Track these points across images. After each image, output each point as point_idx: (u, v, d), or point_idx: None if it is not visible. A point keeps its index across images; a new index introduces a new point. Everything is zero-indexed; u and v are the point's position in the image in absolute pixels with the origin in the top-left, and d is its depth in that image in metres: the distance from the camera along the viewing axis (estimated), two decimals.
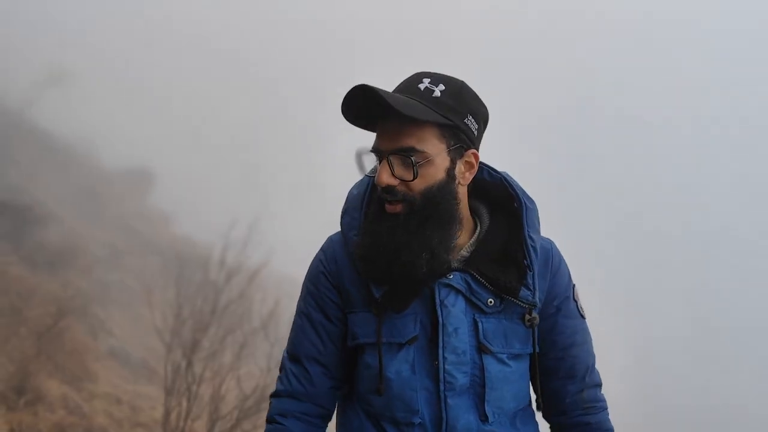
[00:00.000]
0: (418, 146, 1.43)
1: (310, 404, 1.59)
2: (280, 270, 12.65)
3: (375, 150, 1.48)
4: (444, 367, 1.47)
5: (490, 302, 1.50)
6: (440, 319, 1.47)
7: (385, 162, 1.45)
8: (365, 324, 1.53)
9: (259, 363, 6.75)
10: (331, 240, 1.65)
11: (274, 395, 1.63)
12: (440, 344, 1.47)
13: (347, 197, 1.62)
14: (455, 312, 1.48)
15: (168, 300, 7.08)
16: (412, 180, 1.44)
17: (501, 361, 1.50)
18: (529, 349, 1.54)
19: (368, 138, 1.53)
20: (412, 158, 1.42)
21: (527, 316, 1.52)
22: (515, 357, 1.53)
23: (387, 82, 1.50)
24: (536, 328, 1.53)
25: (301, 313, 1.64)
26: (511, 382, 1.52)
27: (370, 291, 1.50)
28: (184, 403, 6.48)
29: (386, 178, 1.44)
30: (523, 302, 1.50)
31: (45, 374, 6.79)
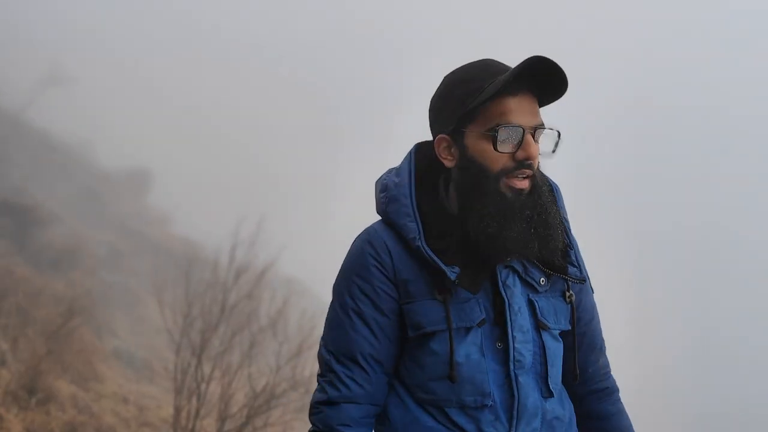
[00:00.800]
0: (545, 124, 1.50)
1: (371, 405, 1.54)
2: (288, 269, 12.68)
3: (519, 125, 1.46)
4: (514, 346, 1.49)
5: (542, 281, 1.55)
6: (506, 299, 1.50)
7: (530, 136, 1.46)
8: (430, 312, 1.49)
9: (268, 361, 6.77)
10: (375, 231, 1.58)
11: (326, 403, 1.52)
12: (509, 324, 1.49)
13: (385, 186, 1.61)
14: (516, 292, 1.51)
15: (176, 300, 7.10)
16: (552, 152, 1.52)
17: (555, 338, 1.56)
18: (569, 326, 1.60)
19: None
20: (558, 133, 1.50)
21: (567, 293, 1.59)
22: (562, 333, 1.60)
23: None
24: (573, 304, 1.60)
25: (350, 310, 1.54)
26: (560, 358, 1.58)
27: (434, 277, 1.48)
28: (194, 402, 6.51)
29: (536, 152, 1.47)
30: (574, 279, 1.57)
31: (54, 374, 6.81)
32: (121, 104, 24.68)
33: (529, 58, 1.42)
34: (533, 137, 1.47)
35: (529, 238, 1.46)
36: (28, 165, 16.03)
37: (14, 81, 19.63)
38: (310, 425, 1.55)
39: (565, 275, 1.56)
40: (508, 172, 1.47)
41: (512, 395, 1.48)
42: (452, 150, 1.55)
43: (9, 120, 17.62)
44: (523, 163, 1.46)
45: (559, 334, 1.59)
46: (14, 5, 24.43)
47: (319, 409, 1.53)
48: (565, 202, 1.65)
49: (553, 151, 1.52)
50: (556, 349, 1.56)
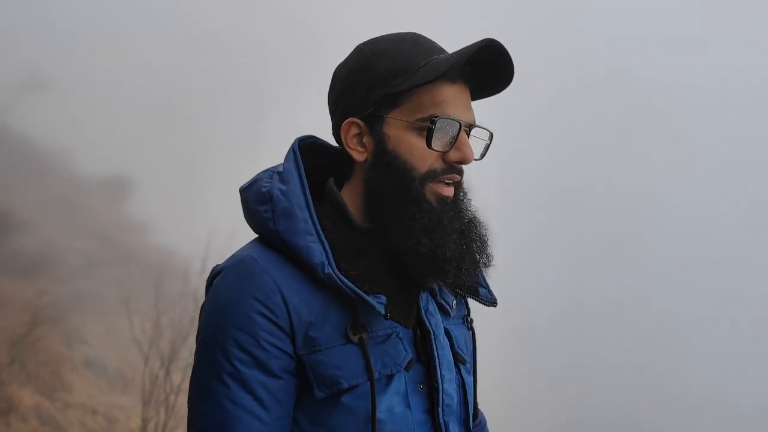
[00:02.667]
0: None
1: None
2: None
3: (457, 120, 1.19)
4: (442, 388, 1.21)
5: (454, 303, 1.29)
6: (431, 329, 1.21)
7: (465, 134, 1.20)
8: (346, 360, 1.14)
9: None
10: (254, 260, 1.16)
11: None
12: (437, 361, 1.21)
13: (267, 196, 1.20)
14: (437, 320, 1.24)
15: (146, 310, 7.01)
16: (481, 158, 1.27)
17: (468, 372, 1.30)
18: (471, 357, 1.35)
19: None
20: (490, 134, 1.27)
21: (468, 318, 1.35)
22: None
23: None
24: (473, 331, 1.35)
25: (226, 375, 1.11)
26: (474, 392, 1.34)
27: (345, 313, 1.16)
28: (162, 414, 6.41)
29: (471, 154, 1.21)
30: (485, 301, 1.31)
31: (17, 384, 6.67)
32: (100, 110, 24.49)
33: (482, 41, 1.17)
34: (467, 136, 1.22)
35: (462, 256, 1.18)
36: (3, 170, 15.81)
37: None
38: None
39: (477, 297, 1.30)
40: (434, 176, 1.18)
41: None
42: (364, 139, 1.21)
43: None
44: (454, 166, 1.19)
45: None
46: None
47: None
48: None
49: (482, 156, 1.27)
50: (470, 386, 1.31)
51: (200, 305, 1.24)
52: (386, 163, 1.18)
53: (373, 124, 1.20)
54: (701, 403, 24.18)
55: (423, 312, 1.21)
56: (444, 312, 1.26)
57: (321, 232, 1.15)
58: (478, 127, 1.23)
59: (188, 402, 1.16)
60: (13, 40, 22.96)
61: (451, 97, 1.18)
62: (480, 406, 1.42)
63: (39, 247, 12.32)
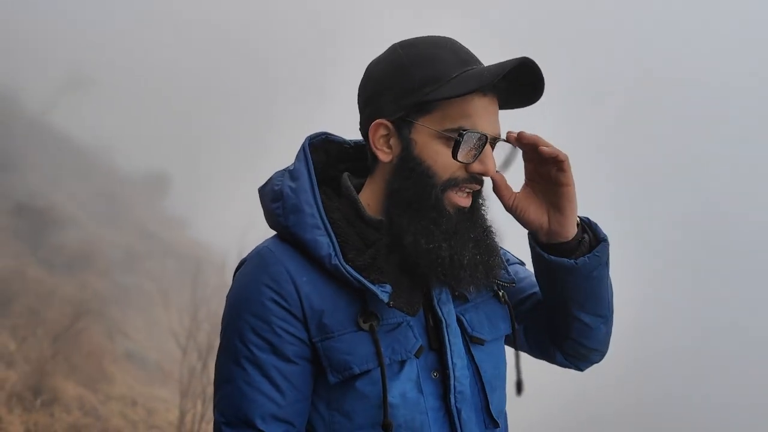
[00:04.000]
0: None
1: None
2: None
3: (484, 134, 1.22)
4: (454, 375, 1.24)
5: (472, 289, 1.30)
6: (443, 318, 1.25)
7: (490, 147, 1.23)
8: (356, 347, 1.19)
9: None
10: (269, 252, 1.24)
11: None
12: (448, 349, 1.24)
13: (279, 194, 1.26)
14: (449, 309, 1.28)
15: (184, 303, 7.11)
16: (503, 169, 1.29)
17: (491, 354, 1.32)
18: (509, 329, 1.36)
19: None
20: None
21: (500, 294, 1.36)
22: (501, 340, 1.38)
23: None
24: (509, 304, 1.37)
25: (243, 359, 1.19)
26: (503, 377, 1.35)
27: (355, 302, 1.20)
28: (199, 406, 6.49)
29: (494, 167, 1.25)
30: (503, 282, 1.33)
31: (61, 375, 6.82)
32: (139, 108, 24.95)
33: (517, 59, 1.20)
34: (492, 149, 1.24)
35: (476, 265, 1.22)
36: (46, 168, 16.22)
37: (35, 83, 19.91)
38: None
39: (497, 280, 1.32)
40: (455, 184, 1.22)
41: None
42: (391, 141, 1.25)
43: (29, 122, 17.85)
44: (476, 177, 1.23)
45: (503, 340, 1.38)
46: (34, 7, 24.80)
47: None
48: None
49: (505, 169, 1.29)
50: (495, 368, 1.32)
51: None
52: (410, 168, 1.22)
53: (401, 128, 1.23)
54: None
55: (435, 301, 1.25)
56: (458, 299, 1.29)
57: (328, 225, 1.21)
58: (503, 140, 1.25)
59: (213, 385, 1.26)
60: (54, 39, 23.53)
61: (480, 109, 1.21)
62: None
63: (81, 241, 12.60)
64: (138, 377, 9.83)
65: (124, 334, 10.85)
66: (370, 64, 1.30)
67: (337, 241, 1.20)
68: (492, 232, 1.28)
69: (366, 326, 1.19)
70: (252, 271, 1.23)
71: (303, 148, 1.30)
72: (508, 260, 1.42)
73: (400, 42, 1.28)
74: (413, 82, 1.21)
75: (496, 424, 1.30)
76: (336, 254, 1.18)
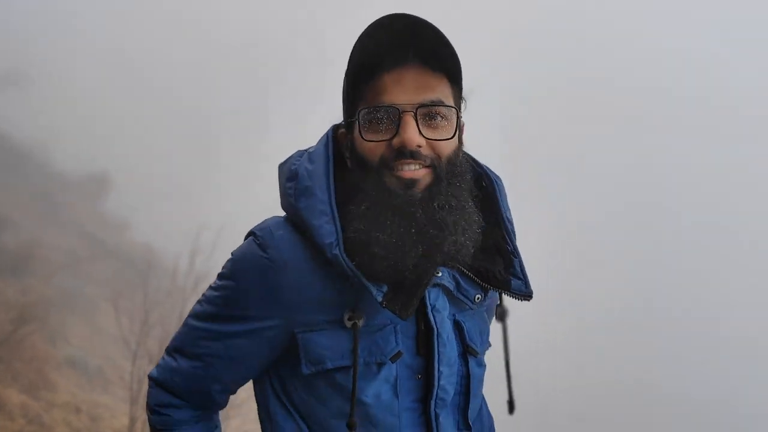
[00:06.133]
0: (446, 101, 1.20)
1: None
2: None
3: (391, 105, 1.16)
4: (439, 383, 1.24)
5: (478, 298, 1.28)
6: (435, 327, 1.23)
7: (411, 118, 1.15)
8: (334, 343, 1.20)
9: None
10: (270, 233, 1.24)
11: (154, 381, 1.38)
12: (435, 357, 1.23)
13: (294, 173, 1.25)
14: (445, 316, 1.25)
15: (134, 307, 6.97)
16: (449, 138, 1.19)
17: (480, 364, 1.33)
18: (489, 343, 1.37)
19: None
20: (455, 110, 1.21)
21: (498, 309, 1.34)
22: (485, 351, 1.37)
23: None
24: (505, 322, 1.35)
25: (209, 320, 1.29)
26: (482, 385, 1.36)
27: (346, 296, 1.20)
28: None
29: (417, 137, 1.15)
30: (518, 294, 1.28)
31: (4, 383, 6.61)
32: (78, 105, 24.17)
33: (372, 24, 1.17)
34: (417, 118, 1.16)
35: (408, 241, 1.14)
36: None
37: None
38: None
39: (508, 291, 1.28)
40: (387, 164, 1.17)
41: None
42: (348, 145, 1.25)
43: None
44: (403, 151, 1.16)
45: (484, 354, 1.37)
46: None
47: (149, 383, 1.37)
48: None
49: (452, 136, 1.20)
50: (480, 377, 1.33)
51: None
52: (356, 165, 1.22)
53: (349, 128, 1.24)
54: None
55: (430, 308, 1.23)
56: (457, 305, 1.28)
57: (336, 214, 1.18)
58: (427, 105, 1.17)
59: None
60: None
61: (389, 84, 1.17)
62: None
63: (20, 244, 12.16)
64: (81, 384, 9.57)
65: (67, 340, 10.54)
66: None
67: (343, 233, 1.17)
68: (451, 208, 1.19)
69: (349, 324, 1.18)
70: (248, 248, 1.25)
71: (327, 134, 1.28)
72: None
73: None
74: (347, 77, 1.23)
75: (468, 426, 1.31)
76: (339, 244, 1.15)
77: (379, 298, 1.15)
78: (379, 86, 1.17)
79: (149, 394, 1.35)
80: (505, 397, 1.37)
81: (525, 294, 1.29)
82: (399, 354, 1.22)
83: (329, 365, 1.20)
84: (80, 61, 26.66)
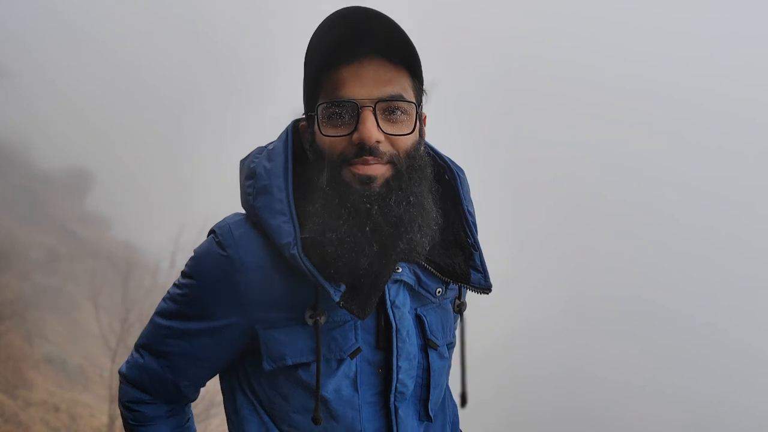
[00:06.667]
0: (406, 95, 1.17)
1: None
2: None
3: (350, 100, 1.14)
4: (398, 377, 1.25)
5: (439, 292, 1.29)
6: (394, 323, 1.24)
7: (370, 113, 1.13)
8: (296, 340, 1.21)
9: None
10: (230, 232, 1.23)
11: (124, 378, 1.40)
12: (394, 353, 1.24)
13: (252, 172, 1.24)
14: (405, 312, 1.26)
15: (113, 305, 6.92)
16: (409, 134, 1.17)
17: (441, 356, 1.32)
18: (454, 338, 1.38)
19: None
20: (414, 105, 1.19)
21: (458, 301, 1.35)
22: (449, 346, 1.37)
23: None
24: (463, 315, 1.36)
25: (170, 317, 1.30)
26: (445, 377, 1.37)
27: (306, 295, 1.20)
28: None
29: (376, 132, 1.13)
30: (478, 288, 1.29)
31: None
32: (59, 102, 23.92)
33: (330, 16, 1.14)
34: (376, 113, 1.14)
35: (361, 240, 1.13)
36: None
37: None
38: None
39: (468, 284, 1.29)
40: (347, 159, 1.15)
41: (389, 429, 1.28)
42: (309, 138, 1.23)
43: None
44: (362, 147, 1.13)
45: (450, 347, 1.37)
46: None
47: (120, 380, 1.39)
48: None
49: (412, 131, 1.17)
50: (441, 370, 1.33)
51: None
52: (316, 159, 1.19)
53: (310, 123, 1.21)
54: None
55: (389, 305, 1.23)
56: (419, 299, 1.28)
57: (294, 213, 1.17)
58: (386, 100, 1.15)
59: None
60: None
61: (347, 77, 1.15)
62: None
63: None
64: (60, 382, 9.47)
65: (44, 338, 10.42)
66: None
67: (299, 231, 1.16)
68: (409, 205, 1.17)
69: (311, 321, 1.19)
70: (208, 248, 1.25)
71: (287, 129, 1.27)
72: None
73: None
74: (306, 79, 1.20)
75: (429, 418, 1.33)
76: (296, 244, 1.14)
77: (337, 299, 1.15)
78: (338, 79, 1.15)
79: (120, 390, 1.38)
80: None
81: (484, 287, 1.30)
82: (358, 350, 1.23)
83: (289, 362, 1.21)
84: (62, 58, 26.41)
